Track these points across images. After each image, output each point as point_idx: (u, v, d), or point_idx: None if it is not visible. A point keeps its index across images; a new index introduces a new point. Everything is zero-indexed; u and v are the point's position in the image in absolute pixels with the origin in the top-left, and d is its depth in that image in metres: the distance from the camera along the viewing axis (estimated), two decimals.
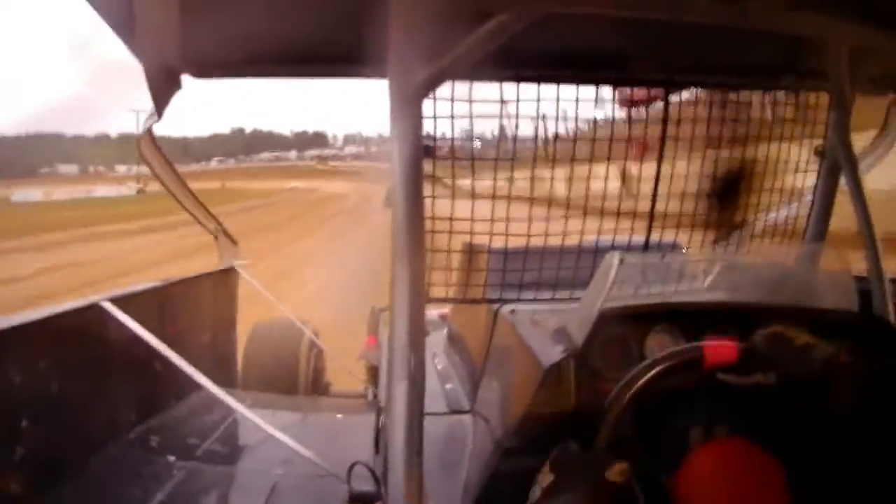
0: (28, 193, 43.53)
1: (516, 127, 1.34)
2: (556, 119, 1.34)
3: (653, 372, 0.84)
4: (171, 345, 1.68)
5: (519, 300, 1.36)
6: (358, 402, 2.64)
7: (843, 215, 1.36)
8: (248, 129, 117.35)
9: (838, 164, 1.35)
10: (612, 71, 1.34)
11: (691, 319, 0.98)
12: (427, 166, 1.16)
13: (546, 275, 1.42)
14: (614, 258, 0.97)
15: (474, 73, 1.19)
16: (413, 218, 0.71)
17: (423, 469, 0.68)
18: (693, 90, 1.44)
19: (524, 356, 1.07)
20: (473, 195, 1.39)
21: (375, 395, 2.35)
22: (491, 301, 1.39)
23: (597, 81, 1.34)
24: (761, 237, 1.46)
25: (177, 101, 1.24)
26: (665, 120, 1.40)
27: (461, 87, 1.25)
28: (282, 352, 2.77)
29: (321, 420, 2.18)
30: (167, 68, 1.11)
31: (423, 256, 0.74)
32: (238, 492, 1.65)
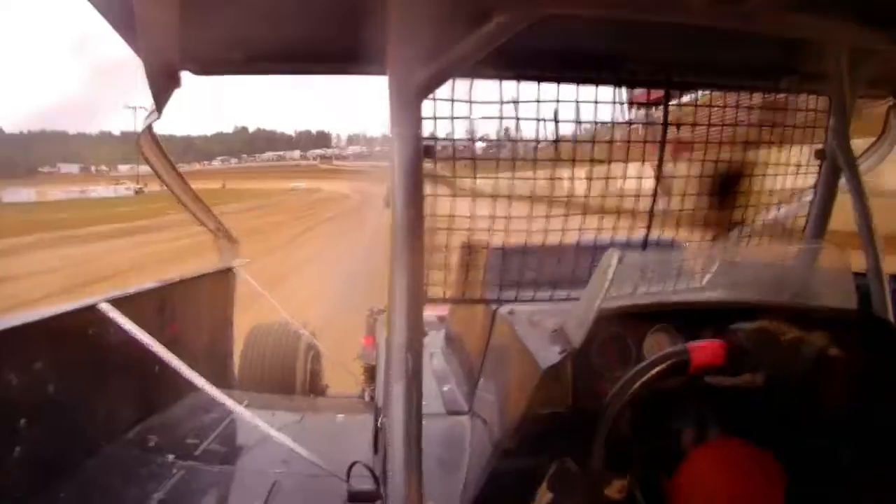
0: (21, 193, 42.96)
1: (517, 128, 1.34)
2: (556, 120, 1.34)
3: (642, 380, 0.83)
4: (170, 344, 1.68)
5: (517, 299, 1.36)
6: (356, 402, 2.64)
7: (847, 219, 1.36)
8: (252, 129, 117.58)
9: (838, 165, 1.36)
10: (613, 72, 1.34)
11: (690, 319, 0.97)
12: (427, 165, 1.16)
13: (545, 273, 1.41)
14: (613, 256, 0.95)
15: (474, 73, 1.19)
16: (412, 218, 0.71)
17: (422, 468, 0.68)
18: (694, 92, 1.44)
19: (522, 357, 1.07)
20: (474, 195, 1.38)
21: (372, 396, 2.35)
22: (489, 301, 1.39)
23: (597, 82, 1.33)
24: (760, 236, 1.46)
25: (181, 99, 1.24)
26: (665, 120, 1.39)
27: (461, 87, 1.25)
28: (279, 354, 2.78)
29: (319, 420, 2.18)
30: (167, 65, 1.11)
31: (421, 257, 0.73)
32: (237, 491, 1.64)
